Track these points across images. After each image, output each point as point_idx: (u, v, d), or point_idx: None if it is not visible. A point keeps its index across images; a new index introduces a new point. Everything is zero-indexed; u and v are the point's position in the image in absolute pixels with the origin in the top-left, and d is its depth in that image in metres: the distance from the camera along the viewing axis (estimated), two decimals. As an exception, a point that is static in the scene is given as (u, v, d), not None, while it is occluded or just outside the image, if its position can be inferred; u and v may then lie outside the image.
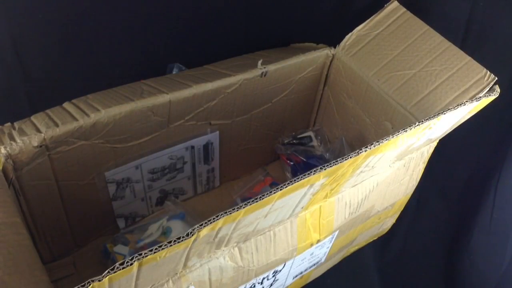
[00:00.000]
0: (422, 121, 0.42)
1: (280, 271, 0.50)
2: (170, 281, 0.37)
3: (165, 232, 0.57)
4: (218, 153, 0.64)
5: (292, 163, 0.69)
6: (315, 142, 0.71)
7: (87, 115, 0.47)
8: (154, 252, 0.30)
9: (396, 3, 0.62)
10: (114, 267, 0.29)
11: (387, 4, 0.63)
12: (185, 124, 0.56)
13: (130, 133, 0.52)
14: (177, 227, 0.57)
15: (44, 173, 0.48)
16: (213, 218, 0.32)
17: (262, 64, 0.58)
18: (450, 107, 0.44)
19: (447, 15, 0.66)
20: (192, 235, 0.31)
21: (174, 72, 0.66)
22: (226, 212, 0.33)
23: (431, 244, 0.75)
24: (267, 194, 0.34)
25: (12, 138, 0.44)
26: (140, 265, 0.30)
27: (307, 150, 0.70)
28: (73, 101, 0.50)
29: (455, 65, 0.56)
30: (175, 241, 0.31)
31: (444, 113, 0.43)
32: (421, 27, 0.60)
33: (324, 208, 0.48)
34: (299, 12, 0.71)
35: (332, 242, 0.55)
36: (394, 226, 0.72)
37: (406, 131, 0.41)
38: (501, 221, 0.67)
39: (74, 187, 0.52)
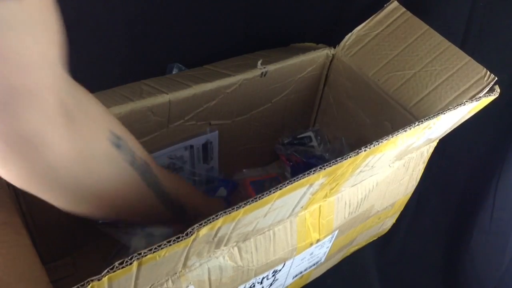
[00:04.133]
0: (422, 121, 0.42)
1: (280, 270, 0.50)
2: (170, 281, 0.37)
3: (149, 241, 0.55)
4: (217, 152, 0.64)
5: (291, 163, 0.69)
6: (315, 142, 0.71)
7: (87, 115, 0.47)
8: (154, 252, 0.30)
9: (396, 3, 0.62)
10: (113, 267, 0.29)
11: (387, 4, 0.63)
12: (184, 124, 0.56)
13: (130, 133, 0.52)
14: (157, 230, 0.56)
15: (44, 173, 0.48)
16: (212, 218, 0.32)
17: (262, 64, 0.58)
18: (450, 107, 0.44)
19: (447, 15, 0.66)
20: (192, 234, 0.31)
21: (174, 72, 0.66)
22: (225, 212, 0.33)
23: (431, 244, 0.75)
24: (266, 193, 0.34)
25: (12, 138, 0.44)
26: (139, 265, 0.30)
27: (307, 150, 0.70)
28: (73, 101, 0.50)
29: (455, 65, 0.56)
30: (174, 240, 0.31)
31: (444, 113, 0.43)
32: (421, 27, 0.60)
33: (323, 208, 0.48)
34: (299, 12, 0.71)
35: (332, 242, 0.55)
36: (394, 226, 0.72)
37: (405, 131, 0.41)
38: (501, 221, 0.67)
39: (74, 187, 0.52)
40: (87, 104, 0.31)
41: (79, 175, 0.30)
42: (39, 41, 0.24)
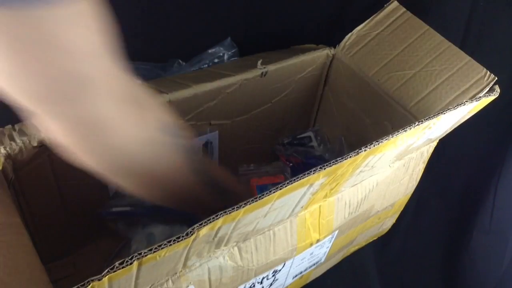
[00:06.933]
0: (422, 121, 0.42)
1: (280, 270, 0.50)
2: (170, 281, 0.37)
3: (150, 240, 0.56)
4: (217, 152, 0.64)
5: (291, 164, 0.69)
6: (314, 142, 0.71)
7: (87, 115, 0.47)
8: (154, 252, 0.30)
9: (396, 3, 0.62)
10: (113, 267, 0.29)
11: (387, 4, 0.63)
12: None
13: (130, 133, 0.52)
14: (157, 230, 0.56)
15: (44, 173, 0.48)
16: (213, 218, 0.32)
17: (262, 64, 0.58)
18: (450, 107, 0.44)
19: (447, 15, 0.66)
20: (192, 234, 0.31)
21: (174, 66, 0.66)
22: (225, 212, 0.33)
23: (431, 244, 0.75)
24: (266, 193, 0.34)
25: (12, 138, 0.44)
26: (139, 265, 0.30)
27: (306, 150, 0.69)
28: (73, 101, 0.50)
29: (455, 65, 0.56)
30: (174, 240, 0.31)
31: (444, 113, 0.43)
32: (421, 27, 0.60)
33: (323, 208, 0.48)
34: (299, 12, 0.71)
35: (332, 242, 0.55)
36: (394, 226, 0.72)
37: (405, 131, 0.41)
38: (501, 221, 0.67)
39: (74, 187, 0.52)
40: (146, 92, 0.34)
41: (142, 159, 0.33)
42: (95, 34, 0.26)
